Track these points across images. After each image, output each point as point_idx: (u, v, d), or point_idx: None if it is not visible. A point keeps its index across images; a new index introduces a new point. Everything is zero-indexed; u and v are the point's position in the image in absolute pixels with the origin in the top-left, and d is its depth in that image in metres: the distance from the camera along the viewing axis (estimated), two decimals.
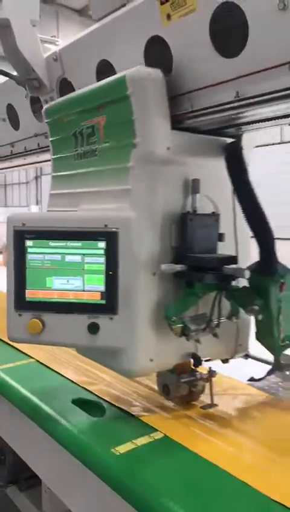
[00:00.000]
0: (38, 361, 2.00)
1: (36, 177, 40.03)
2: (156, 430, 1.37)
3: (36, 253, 1.39)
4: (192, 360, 1.49)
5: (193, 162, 1.43)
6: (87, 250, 1.36)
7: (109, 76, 1.41)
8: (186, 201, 1.43)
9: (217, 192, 1.47)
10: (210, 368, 1.54)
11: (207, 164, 1.45)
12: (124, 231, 1.33)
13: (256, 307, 1.39)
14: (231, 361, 1.63)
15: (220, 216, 1.45)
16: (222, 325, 1.45)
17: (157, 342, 1.41)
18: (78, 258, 1.36)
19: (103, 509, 1.28)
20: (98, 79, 1.60)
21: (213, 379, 1.51)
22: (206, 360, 1.54)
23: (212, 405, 1.48)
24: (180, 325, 1.37)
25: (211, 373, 1.52)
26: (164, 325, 1.38)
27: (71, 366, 1.92)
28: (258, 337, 1.51)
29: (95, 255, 1.35)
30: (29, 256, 1.39)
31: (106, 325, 1.35)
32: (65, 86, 1.79)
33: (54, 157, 1.71)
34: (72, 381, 1.77)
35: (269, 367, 1.52)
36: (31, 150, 2.17)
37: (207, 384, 1.53)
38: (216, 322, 1.43)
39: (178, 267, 1.36)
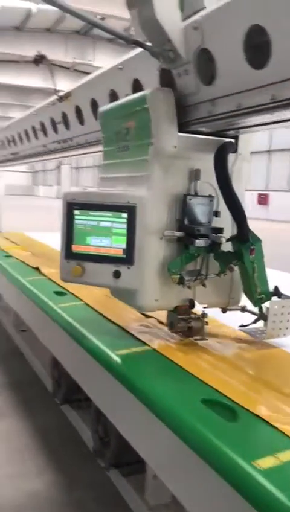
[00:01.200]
0: (155, 350, 1.83)
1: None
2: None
3: (80, 219, 1.93)
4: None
5: (196, 156, 1.88)
6: (114, 219, 1.85)
7: (260, 46, 1.41)
8: (190, 185, 1.88)
9: (211, 179, 1.87)
10: (203, 310, 1.99)
11: (208, 158, 1.84)
12: (140, 206, 1.81)
13: (233, 266, 1.90)
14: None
15: (218, 198, 1.88)
16: (214, 280, 1.92)
17: (161, 288, 1.87)
18: (108, 224, 1.87)
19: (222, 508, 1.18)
20: (246, 48, 1.44)
21: (211, 325, 2.02)
22: (204, 307, 2.00)
23: (203, 338, 1.96)
24: (178, 276, 1.83)
25: (203, 314, 1.98)
26: (167, 275, 1.84)
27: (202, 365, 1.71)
28: (244, 292, 2.00)
29: (119, 222, 1.84)
30: (76, 222, 1.94)
31: (125, 272, 1.85)
32: (203, 57, 1.64)
33: (104, 149, 2.20)
34: (201, 380, 1.57)
35: None
36: None
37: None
38: (204, 276, 1.89)
39: (177, 234, 1.84)
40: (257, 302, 1.96)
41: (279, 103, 1.40)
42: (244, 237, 1.86)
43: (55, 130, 3.23)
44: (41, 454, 2.91)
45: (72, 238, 1.95)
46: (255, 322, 2.01)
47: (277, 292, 1.98)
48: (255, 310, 2.00)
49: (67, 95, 2.84)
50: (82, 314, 2.35)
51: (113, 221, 1.86)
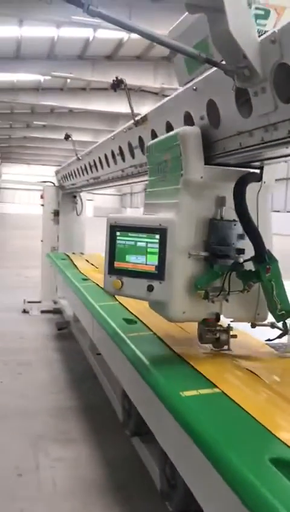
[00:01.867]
0: (225, 393, 1.65)
1: None
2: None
3: (121, 239, 2.18)
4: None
5: (221, 185, 2.10)
6: (148, 239, 2.08)
7: None
8: (216, 211, 2.10)
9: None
10: (229, 324, 2.21)
11: (233, 186, 2.07)
12: (171, 229, 2.02)
13: (252, 284, 2.08)
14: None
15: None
16: (241, 296, 2.10)
17: (189, 301, 2.05)
18: (144, 244, 2.10)
19: None
20: None
21: (239, 337, 2.23)
22: (231, 321, 2.21)
23: (228, 349, 2.18)
24: (203, 291, 2.03)
25: (229, 327, 2.19)
26: (194, 290, 2.03)
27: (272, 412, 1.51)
28: (268, 309, 2.13)
29: (153, 242, 2.07)
30: (117, 241, 2.19)
31: (157, 286, 2.05)
32: (282, 73, 1.49)
33: (149, 178, 2.48)
34: (271, 433, 1.37)
35: None
36: (231, 151, 1.91)
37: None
38: (226, 292, 2.06)
39: (203, 253, 2.04)
40: (278, 318, 2.12)
41: None
42: (261, 258, 2.05)
43: (132, 154, 3.20)
44: (108, 489, 2.80)
45: (114, 256, 2.21)
46: (280, 336, 2.19)
47: None
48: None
49: (144, 119, 2.79)
50: (150, 346, 2.24)
51: (148, 242, 2.10)
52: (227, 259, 2.04)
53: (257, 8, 1.78)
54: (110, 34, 20.58)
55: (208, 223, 2.07)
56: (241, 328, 2.29)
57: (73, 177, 5.71)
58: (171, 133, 2.24)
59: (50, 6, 16.57)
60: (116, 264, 2.20)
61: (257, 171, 2.16)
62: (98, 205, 48.16)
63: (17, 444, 3.24)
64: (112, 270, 2.22)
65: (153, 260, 2.07)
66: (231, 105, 1.80)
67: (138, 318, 2.68)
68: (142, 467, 2.66)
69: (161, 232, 2.05)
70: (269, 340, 2.26)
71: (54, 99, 29.85)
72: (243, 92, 1.71)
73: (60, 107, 31.39)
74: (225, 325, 2.21)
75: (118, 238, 2.20)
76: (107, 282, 2.24)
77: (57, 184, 7.05)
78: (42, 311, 6.94)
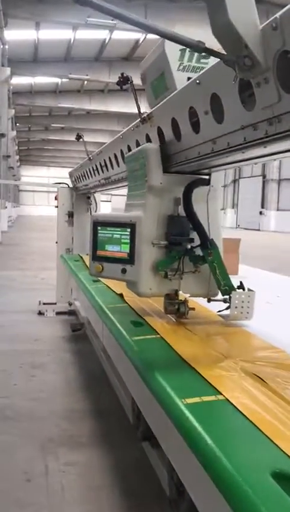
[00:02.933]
0: (228, 400, 1.60)
1: (234, 180, 40.08)
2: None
3: (102, 233, 2.68)
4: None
5: (177, 189, 2.55)
6: (122, 232, 2.56)
7: None
8: (174, 209, 2.57)
9: (195, 204, 2.54)
10: (185, 298, 2.72)
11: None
12: (138, 224, 2.50)
13: (199, 265, 2.58)
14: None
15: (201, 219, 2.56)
16: (196, 276, 2.61)
17: (154, 280, 2.54)
18: (118, 236, 2.58)
19: None
20: None
21: (198, 310, 2.79)
22: (189, 296, 2.74)
23: (185, 317, 2.68)
24: (163, 272, 2.53)
25: (186, 300, 2.69)
26: (157, 271, 2.52)
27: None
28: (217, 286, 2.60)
29: (125, 234, 2.54)
30: (99, 234, 2.70)
31: (129, 269, 2.53)
32: (285, 61, 1.41)
33: (128, 184, 2.96)
34: (275, 444, 1.28)
35: None
36: (235, 146, 1.83)
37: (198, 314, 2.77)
38: (181, 272, 2.57)
39: (163, 242, 2.52)
40: (223, 292, 2.61)
41: None
42: (205, 245, 2.54)
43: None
44: (118, 495, 2.74)
45: (97, 246, 2.71)
46: (227, 308, 2.64)
47: (241, 286, 2.63)
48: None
49: (150, 116, 2.72)
50: (155, 350, 2.17)
51: (122, 234, 2.58)
52: (181, 246, 2.54)
53: None
54: (126, 35, 20.65)
55: (167, 219, 2.56)
56: (201, 303, 2.87)
57: (85, 178, 5.67)
58: (138, 148, 2.80)
59: (66, 9, 16.69)
60: (98, 252, 2.71)
61: (206, 177, 2.63)
62: (116, 206, 48.21)
63: (26, 448, 3.21)
64: (95, 257, 2.73)
65: (126, 248, 2.56)
66: (235, 99, 1.72)
67: (145, 320, 2.62)
68: (153, 472, 2.60)
69: (131, 226, 2.53)
70: (219, 311, 2.74)
71: (72, 101, 30.07)
72: (247, 85, 1.63)
73: (77, 109, 31.61)
74: (187, 301, 2.72)
75: (99, 231, 2.71)
76: (91, 266, 2.76)
77: (71, 185, 7.03)
78: (57, 313, 6.93)
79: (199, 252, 2.56)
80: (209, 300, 2.71)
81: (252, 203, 36.59)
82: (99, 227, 2.70)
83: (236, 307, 2.59)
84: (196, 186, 2.56)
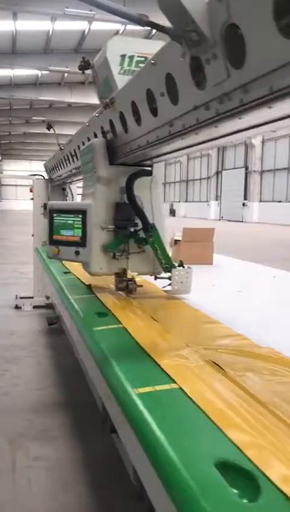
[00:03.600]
0: (182, 389, 1.53)
1: (217, 172, 40.11)
2: None
3: (57, 219, 2.96)
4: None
5: (123, 179, 2.80)
6: (75, 218, 2.86)
7: None
8: (121, 196, 2.83)
9: (139, 192, 2.83)
10: (133, 276, 2.96)
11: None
12: (89, 210, 2.80)
13: (142, 246, 2.89)
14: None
15: (143, 204, 2.85)
16: (141, 256, 2.93)
17: (104, 260, 2.84)
18: (72, 222, 2.88)
19: None
20: (277, 18, 1.13)
21: (146, 286, 3.12)
22: (137, 274, 3.00)
23: (133, 293, 2.96)
24: (112, 253, 2.84)
25: (133, 278, 2.96)
26: (106, 252, 2.82)
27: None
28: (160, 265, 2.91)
29: (78, 220, 2.84)
30: (54, 220, 2.97)
31: (81, 251, 2.84)
32: (231, 36, 1.34)
33: (83, 175, 3.27)
34: (224, 434, 1.23)
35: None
36: (189, 127, 1.77)
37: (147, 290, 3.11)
38: (127, 253, 2.89)
39: (110, 227, 2.80)
40: (164, 270, 2.95)
41: None
42: (145, 228, 2.81)
43: (113, 136, 3.05)
44: (86, 489, 2.69)
45: (53, 231, 2.98)
46: (169, 284, 2.98)
47: (180, 264, 2.99)
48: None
49: (112, 102, 2.65)
50: (116, 340, 2.11)
51: (74, 220, 2.86)
52: (126, 230, 2.83)
53: None
54: (105, 26, 20.36)
55: (114, 206, 2.82)
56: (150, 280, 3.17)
57: (59, 169, 5.58)
58: (88, 143, 3.07)
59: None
60: (54, 237, 2.98)
61: (149, 168, 2.87)
62: None
63: None
64: (51, 241, 3.01)
65: (78, 233, 2.84)
66: (187, 78, 1.65)
67: (110, 311, 2.56)
68: (122, 465, 2.55)
69: (82, 212, 2.82)
70: (164, 287, 3.05)
71: (52, 94, 29.69)
72: (198, 62, 1.56)
73: (58, 101, 31.24)
74: (135, 279, 2.99)
75: (54, 218, 2.98)
76: (48, 250, 3.05)
77: (46, 177, 6.92)
78: (34, 307, 6.84)
79: (143, 235, 2.85)
80: (155, 278, 3.07)
81: (235, 195, 36.69)
82: (54, 214, 2.98)
83: (176, 282, 2.96)
84: (138, 177, 2.81)
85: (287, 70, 1.14)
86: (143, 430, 1.32)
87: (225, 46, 1.38)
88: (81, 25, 21.01)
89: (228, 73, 1.41)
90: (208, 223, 28.04)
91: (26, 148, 52.74)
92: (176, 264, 2.98)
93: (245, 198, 35.76)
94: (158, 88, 1.94)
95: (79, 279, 3.56)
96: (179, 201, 43.90)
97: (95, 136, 3.28)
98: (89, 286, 3.25)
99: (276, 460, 1.11)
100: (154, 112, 2.07)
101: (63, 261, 4.68)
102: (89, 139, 3.55)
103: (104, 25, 19.95)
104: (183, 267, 2.99)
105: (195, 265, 4.69)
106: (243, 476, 1.06)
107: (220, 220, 37.91)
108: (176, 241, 4.99)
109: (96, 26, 20.53)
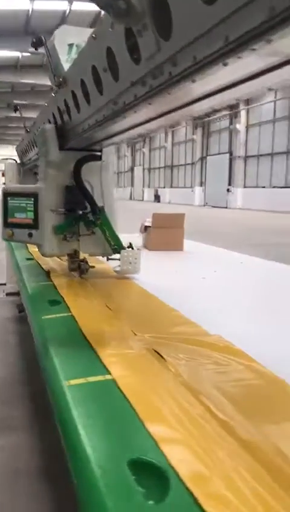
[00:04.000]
0: (114, 380, 1.46)
1: (202, 158, 39.94)
2: None
3: (11, 202, 3.00)
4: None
5: (72, 163, 2.87)
6: (28, 201, 2.92)
7: None
8: (70, 181, 2.90)
9: (90, 177, 2.95)
10: (84, 257, 3.10)
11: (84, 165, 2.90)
12: (40, 194, 2.89)
13: (92, 228, 2.97)
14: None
15: (94, 187, 2.97)
16: (92, 238, 3.00)
17: (55, 242, 2.92)
18: (24, 205, 2.93)
19: None
20: None
21: (98, 267, 3.24)
22: (89, 255, 3.16)
23: (85, 273, 3.07)
24: (62, 235, 2.91)
25: (85, 259, 3.10)
26: (57, 234, 2.90)
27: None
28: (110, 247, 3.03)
29: (30, 203, 2.91)
30: (9, 204, 3.01)
31: (34, 233, 2.92)
32: (161, 5, 1.25)
33: (39, 160, 3.20)
34: (145, 429, 1.17)
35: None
36: (128, 104, 1.68)
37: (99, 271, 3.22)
38: (77, 235, 2.98)
39: (61, 209, 2.88)
40: (113, 251, 3.07)
41: None
42: (94, 211, 2.91)
43: (63, 121, 2.95)
44: (38, 480, 2.64)
45: (7, 214, 3.01)
46: (119, 264, 3.13)
47: (130, 246, 3.12)
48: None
49: (64, 81, 2.54)
50: (61, 330, 2.04)
51: (27, 203, 2.91)
52: (75, 212, 2.88)
53: None
54: (86, 6, 19.94)
55: (65, 189, 2.90)
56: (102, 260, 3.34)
57: (28, 152, 5.44)
58: (40, 128, 3.12)
59: None
60: (9, 220, 3.01)
61: (99, 153, 2.97)
62: None
63: None
64: (6, 224, 3.04)
65: (31, 216, 2.91)
66: (124, 52, 1.56)
67: (63, 299, 2.48)
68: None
69: (34, 196, 2.89)
70: (114, 267, 3.20)
71: (34, 76, 29.12)
72: (131, 35, 1.47)
73: (40, 85, 30.69)
74: (87, 260, 3.13)
75: (9, 201, 3.01)
76: (3, 232, 3.09)
77: (18, 161, 6.75)
78: (7, 294, 6.72)
79: (92, 217, 2.95)
80: (108, 259, 3.22)
81: (219, 181, 36.60)
82: (9, 198, 3.02)
83: (125, 263, 3.11)
84: (86, 161, 2.91)
85: (209, 39, 1.05)
86: (65, 425, 1.26)
87: (153, 15, 1.29)
88: (61, 5, 20.55)
89: (158, 45, 1.32)
90: (192, 209, 28.01)
91: (9, 132, 51.93)
92: (126, 246, 3.11)
93: (229, 184, 35.73)
94: (101, 64, 1.85)
95: (40, 265, 3.47)
96: (164, 187, 43.69)
97: (54, 117, 3.18)
98: (48, 272, 3.16)
99: (192, 456, 1.05)
100: (100, 89, 1.97)
101: (29, 248, 4.61)
102: (50, 121, 3.43)
103: (85, 5, 19.55)
104: (133, 248, 3.12)
105: (165, 252, 4.64)
106: (154, 474, 1.00)
107: (205, 206, 37.85)
108: (146, 227, 4.91)
109: (77, 6, 20.10)
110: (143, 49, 1.41)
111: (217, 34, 1.01)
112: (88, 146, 2.84)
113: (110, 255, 3.13)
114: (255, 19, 0.86)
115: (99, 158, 2.96)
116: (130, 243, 3.13)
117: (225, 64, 1.04)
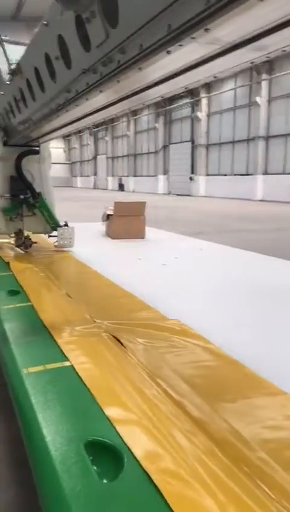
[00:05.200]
0: (73, 367, 1.49)
1: (164, 146, 39.92)
2: None
3: None
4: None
5: (16, 157, 3.70)
6: None
7: None
8: (15, 171, 3.66)
9: (31, 168, 3.82)
10: (28, 235, 3.82)
11: (25, 158, 3.79)
12: None
13: (33, 211, 3.84)
14: None
15: (34, 176, 3.85)
16: (34, 218, 3.88)
17: (3, 223, 3.81)
18: None
19: None
20: None
21: (42, 243, 4.02)
22: (32, 233, 3.90)
23: (28, 248, 3.80)
24: (8, 216, 3.80)
25: (28, 236, 3.84)
26: (4, 216, 3.79)
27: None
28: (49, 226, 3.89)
29: None
30: None
31: None
32: None
33: None
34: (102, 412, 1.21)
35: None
36: (82, 92, 1.67)
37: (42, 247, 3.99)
38: (20, 216, 3.83)
39: (7, 195, 3.77)
40: (52, 229, 3.88)
41: None
42: (33, 196, 3.72)
43: (19, 110, 2.91)
44: (6, 467, 2.63)
45: None
46: (57, 241, 3.85)
47: (66, 224, 3.90)
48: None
49: (19, 69, 2.50)
50: (21, 319, 2.04)
51: None
52: (18, 198, 3.73)
53: None
54: None
55: (10, 178, 3.68)
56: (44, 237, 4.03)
57: None
58: None
59: None
60: None
61: (37, 148, 3.72)
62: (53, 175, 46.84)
63: None
64: None
65: None
66: (75, 40, 1.56)
67: (22, 289, 2.47)
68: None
69: None
70: (54, 242, 3.90)
71: None
72: (81, 22, 1.47)
73: None
74: (30, 237, 3.81)
75: None
76: None
77: None
78: None
79: (32, 201, 3.76)
80: (49, 236, 4.00)
81: (182, 169, 36.70)
82: None
83: (61, 238, 3.86)
84: (26, 155, 3.72)
85: (153, 27, 1.07)
86: (23, 412, 1.27)
87: (101, 3, 1.30)
88: None
89: (107, 33, 1.33)
90: (155, 197, 28.02)
91: None
92: (62, 224, 3.90)
93: (192, 172, 35.89)
94: (53, 51, 1.83)
95: (1, 257, 3.44)
96: (128, 176, 43.51)
97: (10, 106, 3.13)
98: (8, 264, 3.14)
99: (146, 436, 1.08)
100: (53, 77, 1.96)
101: None
102: (6, 110, 3.38)
103: None
104: (68, 226, 3.92)
105: (127, 240, 4.66)
106: (110, 454, 1.03)
107: (169, 194, 37.99)
108: (108, 216, 4.91)
109: None
110: (92, 36, 1.42)
111: (160, 22, 1.03)
112: (27, 142, 3.58)
113: (50, 233, 3.93)
114: (194, 8, 0.89)
115: (37, 152, 3.75)
116: (66, 222, 3.92)
117: (169, 52, 1.06)
